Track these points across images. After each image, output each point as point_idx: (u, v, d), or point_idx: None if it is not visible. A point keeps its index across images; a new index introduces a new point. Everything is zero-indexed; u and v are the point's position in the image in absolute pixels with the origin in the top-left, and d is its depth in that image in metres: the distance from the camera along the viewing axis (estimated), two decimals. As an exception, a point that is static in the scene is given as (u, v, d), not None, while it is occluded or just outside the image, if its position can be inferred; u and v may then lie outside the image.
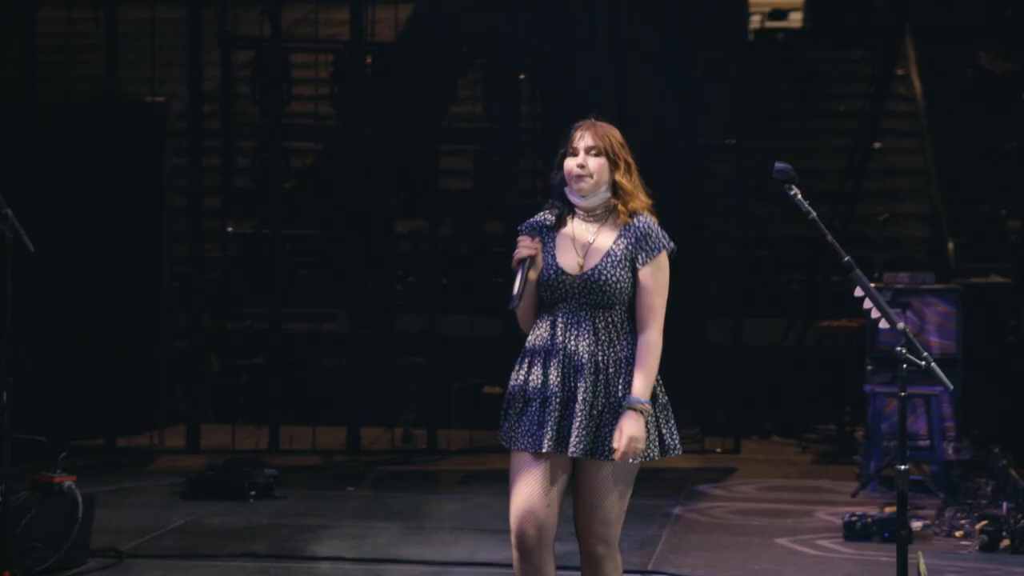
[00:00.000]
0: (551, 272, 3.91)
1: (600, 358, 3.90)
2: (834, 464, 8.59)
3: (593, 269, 3.88)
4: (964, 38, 10.14)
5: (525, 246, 3.91)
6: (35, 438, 5.81)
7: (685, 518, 7.05)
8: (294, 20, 9.52)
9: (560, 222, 3.98)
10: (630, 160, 3.97)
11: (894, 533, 6.31)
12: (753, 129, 10.46)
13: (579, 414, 3.88)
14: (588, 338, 3.91)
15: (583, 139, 3.94)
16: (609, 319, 3.92)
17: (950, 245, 10.29)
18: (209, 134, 9.16)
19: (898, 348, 4.25)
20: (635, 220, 3.93)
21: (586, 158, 3.93)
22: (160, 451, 8.66)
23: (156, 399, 8.95)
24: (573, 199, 3.96)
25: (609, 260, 3.91)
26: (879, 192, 11.36)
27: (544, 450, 3.88)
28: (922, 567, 5.56)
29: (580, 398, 3.88)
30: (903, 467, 4.27)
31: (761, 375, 9.39)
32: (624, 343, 3.93)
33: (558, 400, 3.89)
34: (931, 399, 7.54)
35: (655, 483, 7.68)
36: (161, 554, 6.06)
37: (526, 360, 3.97)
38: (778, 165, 4.35)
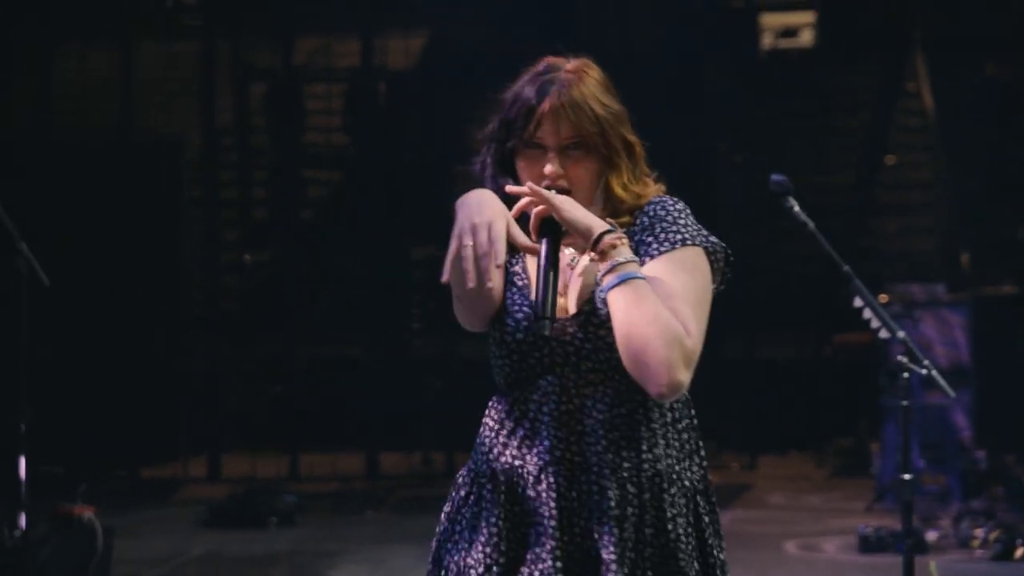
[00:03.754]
0: (519, 316, 2.30)
1: (632, 475, 2.28)
2: (851, 478, 8.60)
3: (590, 300, 2.27)
4: (972, 49, 10.18)
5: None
6: (53, 469, 5.90)
7: (702, 534, 7.07)
8: (309, 52, 9.64)
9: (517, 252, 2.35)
10: (632, 139, 2.36)
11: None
12: (766, 145, 10.52)
13: None
14: (608, 437, 2.27)
15: (550, 124, 2.30)
16: (640, 395, 2.27)
17: (963, 256, 10.31)
18: (226, 166, 9.29)
19: (899, 357, 4.30)
20: (645, 209, 2.35)
21: (562, 162, 2.31)
22: (183, 481, 8.74)
23: (178, 429, 9.05)
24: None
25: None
26: (891, 205, 11.39)
27: None
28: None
29: (606, 557, 2.24)
30: (907, 476, 4.30)
31: (777, 389, 9.41)
32: (675, 437, 2.32)
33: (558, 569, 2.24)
34: (946, 409, 7.56)
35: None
36: (181, 582, 6.15)
37: (477, 489, 2.35)
38: (774, 177, 4.38)
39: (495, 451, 2.33)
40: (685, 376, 2.24)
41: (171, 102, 8.99)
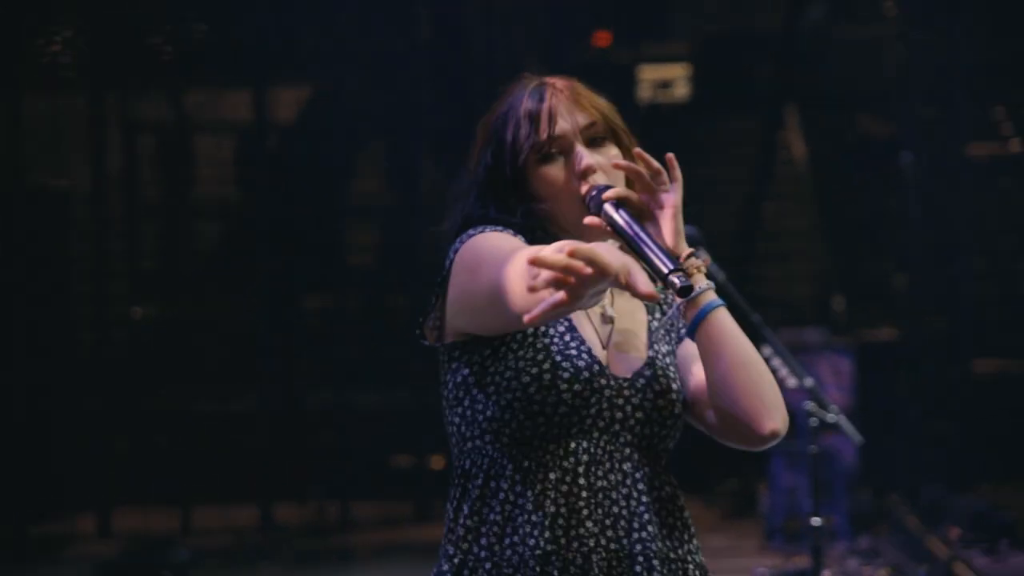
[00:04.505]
0: (580, 364, 1.99)
1: (680, 567, 2.03)
2: (739, 519, 8.81)
3: (649, 365, 2.04)
4: (845, 104, 10.61)
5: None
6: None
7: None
8: (199, 104, 9.64)
9: None
10: (633, 138, 2.14)
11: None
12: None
13: None
14: (654, 523, 2.00)
15: (564, 115, 2.05)
16: (666, 477, 2.07)
17: (839, 301, 10.67)
18: (115, 218, 9.22)
19: (805, 403, 4.49)
20: None
21: (590, 154, 2.04)
22: (72, 537, 8.59)
23: (65, 484, 8.89)
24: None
25: (661, 350, 2.08)
26: (769, 253, 11.73)
27: None
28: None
29: None
30: (817, 521, 4.48)
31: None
32: (688, 525, 2.08)
33: None
34: (832, 451, 7.81)
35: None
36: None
37: None
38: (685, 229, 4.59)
39: (521, 532, 1.92)
40: None
41: (60, 154, 8.90)
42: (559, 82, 2.10)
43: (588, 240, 1.83)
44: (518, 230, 2.02)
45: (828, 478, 7.86)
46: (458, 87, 9.49)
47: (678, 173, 2.03)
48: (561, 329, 1.99)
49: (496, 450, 1.97)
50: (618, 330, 2.05)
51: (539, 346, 1.96)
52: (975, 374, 8.36)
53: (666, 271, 1.86)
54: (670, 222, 1.99)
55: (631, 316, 2.07)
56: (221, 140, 9.38)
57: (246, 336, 9.37)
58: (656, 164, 2.00)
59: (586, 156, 2.02)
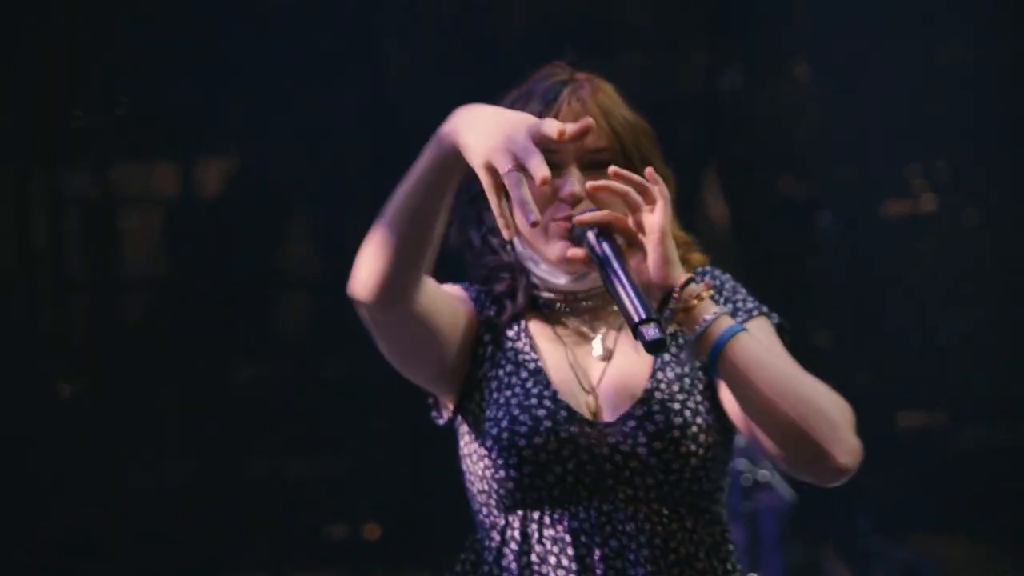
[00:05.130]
0: (540, 414, 1.68)
1: None
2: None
3: (644, 401, 1.70)
4: (764, 166, 10.81)
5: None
6: None
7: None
8: (127, 176, 9.64)
9: (514, 316, 1.66)
10: (667, 170, 1.77)
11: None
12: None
13: None
14: None
15: (573, 123, 1.67)
16: (685, 535, 1.71)
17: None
18: (40, 295, 9.15)
19: (738, 461, 4.59)
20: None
21: (584, 179, 1.71)
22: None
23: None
24: (550, 276, 1.73)
25: (666, 377, 1.74)
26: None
27: None
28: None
29: None
30: None
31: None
32: None
33: None
34: (765, 508, 7.89)
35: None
36: None
37: None
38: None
39: None
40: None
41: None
42: (586, 87, 1.77)
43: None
44: (489, 272, 1.65)
45: (761, 535, 7.95)
46: (385, 154, 9.56)
47: (663, 190, 1.64)
48: (524, 374, 1.69)
49: (490, 522, 1.75)
50: (615, 364, 1.72)
51: (501, 401, 1.70)
52: (900, 428, 8.52)
53: (636, 320, 1.49)
54: (657, 248, 1.68)
55: (628, 349, 1.69)
56: (148, 212, 9.36)
57: (177, 409, 9.30)
58: (638, 179, 1.65)
59: (574, 181, 1.67)
